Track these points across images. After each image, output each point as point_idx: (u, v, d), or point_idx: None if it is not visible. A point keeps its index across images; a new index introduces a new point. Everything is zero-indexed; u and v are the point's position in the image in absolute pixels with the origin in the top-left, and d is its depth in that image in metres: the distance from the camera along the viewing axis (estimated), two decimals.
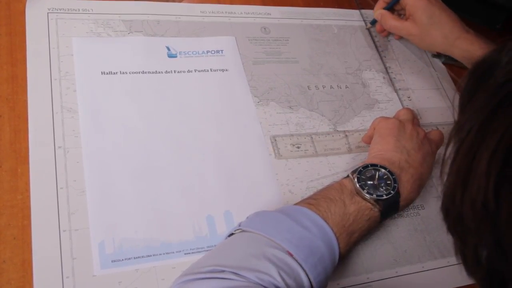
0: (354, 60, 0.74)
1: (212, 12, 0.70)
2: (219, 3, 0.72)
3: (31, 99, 0.55)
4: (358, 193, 0.52)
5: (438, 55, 0.79)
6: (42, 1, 0.62)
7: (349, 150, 0.64)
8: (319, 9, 0.78)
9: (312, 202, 0.51)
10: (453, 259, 0.60)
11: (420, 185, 0.58)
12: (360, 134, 0.66)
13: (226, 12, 0.71)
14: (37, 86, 0.56)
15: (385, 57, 0.76)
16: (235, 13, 0.71)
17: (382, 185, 0.53)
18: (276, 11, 0.74)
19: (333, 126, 0.66)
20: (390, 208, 0.54)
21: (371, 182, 0.53)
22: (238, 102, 0.63)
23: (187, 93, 0.62)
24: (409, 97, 0.73)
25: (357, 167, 0.55)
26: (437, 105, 0.74)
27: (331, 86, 0.70)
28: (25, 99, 0.55)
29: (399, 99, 0.72)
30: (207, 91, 0.63)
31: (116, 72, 0.60)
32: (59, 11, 0.62)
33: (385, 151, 0.57)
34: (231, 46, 0.68)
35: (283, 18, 0.74)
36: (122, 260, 0.49)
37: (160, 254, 0.50)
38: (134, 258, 0.49)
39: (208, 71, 0.65)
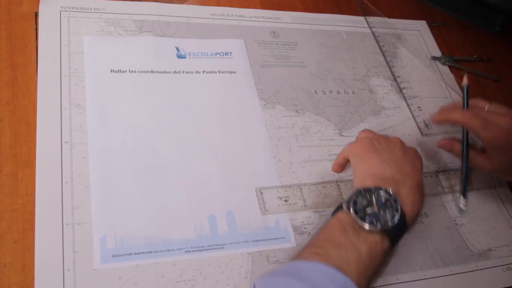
0: (362, 66, 0.74)
1: (222, 15, 0.71)
2: (219, 5, 0.72)
3: (40, 94, 0.56)
4: (361, 228, 0.46)
5: (438, 57, 0.80)
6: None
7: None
8: (329, 15, 0.78)
9: (320, 251, 0.45)
10: (455, 268, 0.59)
11: (421, 194, 0.53)
12: None
13: (236, 15, 0.72)
14: (47, 81, 0.57)
15: (393, 65, 0.76)
16: (244, 16, 0.72)
17: (383, 209, 0.47)
18: (285, 15, 0.75)
19: (338, 131, 0.66)
20: (399, 232, 0.49)
21: (371, 211, 0.47)
22: (244, 104, 0.64)
23: (194, 93, 0.62)
24: (419, 107, 0.73)
25: (350, 195, 0.49)
26: None
27: (338, 91, 0.70)
28: (25, 103, 0.55)
29: (408, 106, 0.72)
30: (215, 92, 0.63)
31: (125, 71, 0.61)
32: (71, 9, 0.63)
33: (372, 168, 0.53)
34: (240, 48, 0.68)
35: (293, 23, 0.75)
36: (123, 255, 0.49)
37: (161, 251, 0.51)
38: (135, 254, 0.50)
39: (216, 72, 0.65)
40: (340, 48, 0.75)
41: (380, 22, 0.80)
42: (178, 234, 0.52)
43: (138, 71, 0.61)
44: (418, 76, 0.77)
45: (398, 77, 0.75)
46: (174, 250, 0.51)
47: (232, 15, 0.71)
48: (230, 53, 0.68)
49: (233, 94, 0.64)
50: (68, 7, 0.63)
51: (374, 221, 0.46)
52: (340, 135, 0.66)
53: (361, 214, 0.47)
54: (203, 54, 0.66)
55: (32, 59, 0.58)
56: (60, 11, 0.63)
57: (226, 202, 0.56)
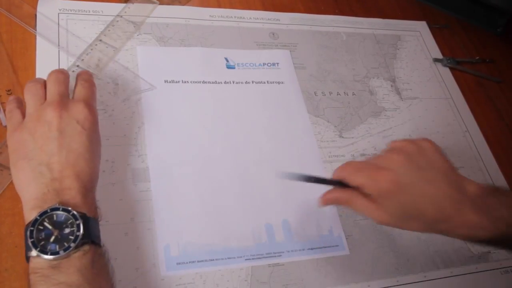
0: (362, 67, 0.74)
1: (221, 16, 0.71)
2: (220, 6, 0.72)
3: None
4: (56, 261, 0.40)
5: (439, 59, 0.79)
6: (53, 2, 0.63)
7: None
8: (328, 16, 0.78)
9: None
10: (456, 270, 0.59)
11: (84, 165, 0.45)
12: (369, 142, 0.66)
13: (235, 17, 0.71)
14: None
15: (393, 66, 0.76)
16: (244, 17, 0.72)
17: (61, 226, 0.41)
18: (285, 17, 0.75)
19: (338, 132, 0.66)
20: (92, 227, 0.42)
21: (53, 238, 0.41)
22: (292, 114, 0.65)
23: (245, 103, 0.63)
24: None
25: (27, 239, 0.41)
26: (444, 114, 0.74)
27: (337, 92, 0.70)
28: None
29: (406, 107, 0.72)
30: (264, 102, 0.64)
31: (178, 81, 0.62)
32: (69, 11, 0.63)
33: (22, 186, 0.45)
34: (286, 59, 0.69)
35: (292, 24, 0.74)
36: (187, 263, 0.50)
37: (222, 259, 0.51)
38: (198, 261, 0.51)
39: (265, 83, 0.66)
40: (339, 49, 0.75)
41: (380, 23, 0.80)
42: (237, 241, 0.53)
43: (190, 82, 0.62)
44: (418, 77, 0.76)
45: (398, 76, 0.75)
46: (234, 258, 0.52)
47: (231, 17, 0.71)
48: (277, 63, 0.68)
49: (281, 104, 0.65)
50: (66, 9, 0.63)
51: (60, 245, 0.40)
52: (340, 136, 0.66)
53: (46, 248, 0.40)
54: (252, 65, 0.67)
55: (33, 62, 0.58)
56: (58, 13, 0.62)
57: (281, 210, 0.56)
